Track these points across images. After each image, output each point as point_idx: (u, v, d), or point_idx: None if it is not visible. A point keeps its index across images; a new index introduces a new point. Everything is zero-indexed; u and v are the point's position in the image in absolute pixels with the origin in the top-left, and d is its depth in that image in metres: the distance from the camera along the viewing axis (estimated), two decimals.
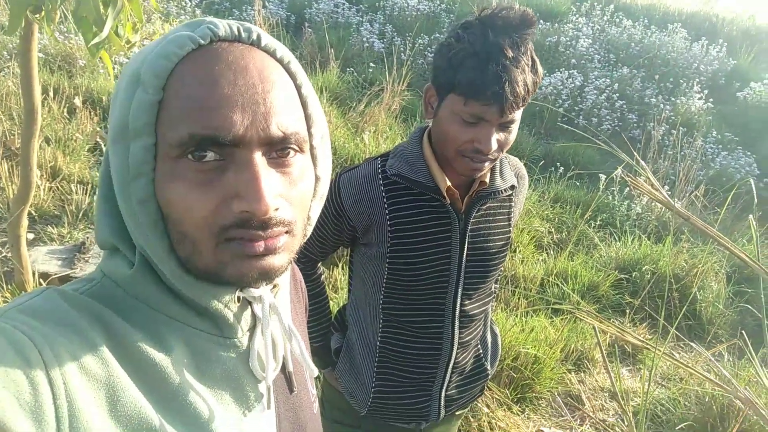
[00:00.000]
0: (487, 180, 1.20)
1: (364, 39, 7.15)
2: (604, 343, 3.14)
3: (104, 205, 0.59)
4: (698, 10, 9.67)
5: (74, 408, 0.45)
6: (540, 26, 7.91)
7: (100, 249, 0.61)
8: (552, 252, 4.06)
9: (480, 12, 1.10)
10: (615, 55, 7.62)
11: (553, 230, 4.37)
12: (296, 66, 0.59)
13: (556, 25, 8.03)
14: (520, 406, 2.65)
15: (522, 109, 1.11)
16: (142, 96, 0.52)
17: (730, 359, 3.20)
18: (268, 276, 0.56)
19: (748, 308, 3.54)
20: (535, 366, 2.73)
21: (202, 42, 0.53)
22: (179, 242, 0.54)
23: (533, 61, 1.10)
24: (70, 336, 0.49)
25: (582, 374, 2.99)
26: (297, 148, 0.57)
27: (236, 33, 0.55)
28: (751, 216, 1.35)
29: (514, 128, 1.13)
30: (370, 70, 6.43)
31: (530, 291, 3.46)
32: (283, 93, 0.56)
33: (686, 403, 2.72)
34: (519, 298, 3.32)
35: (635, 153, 1.60)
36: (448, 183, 1.17)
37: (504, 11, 1.07)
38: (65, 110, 4.29)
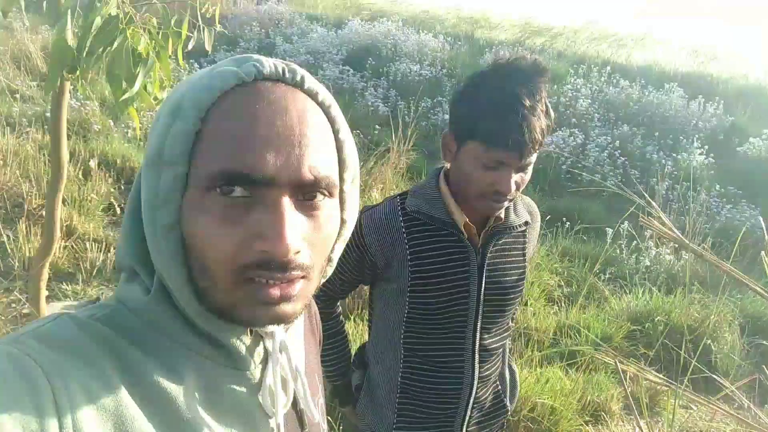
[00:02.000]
0: (503, 216, 1.25)
1: (369, 103, 7.37)
2: (619, 396, 3.09)
3: (129, 226, 0.59)
4: (693, 71, 9.96)
5: None
6: None
7: (118, 270, 0.61)
8: (563, 305, 4.05)
9: (494, 61, 1.18)
10: (614, 113, 7.80)
11: (563, 284, 4.37)
12: (336, 110, 0.60)
13: (556, 86, 8.26)
14: None
15: (537, 152, 1.16)
16: (181, 126, 0.52)
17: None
18: (280, 322, 0.56)
19: (764, 358, 3.49)
20: (552, 417, 2.69)
21: (246, 79, 0.54)
22: (199, 274, 0.54)
23: (546, 106, 1.16)
24: (81, 364, 0.49)
25: (600, 426, 2.93)
26: (326, 193, 0.56)
27: (280, 73, 0.55)
28: (762, 252, 1.38)
29: (530, 169, 1.20)
30: (376, 132, 6.60)
31: (543, 343, 3.44)
32: (319, 137, 0.56)
33: None
34: (533, 351, 3.29)
35: (647, 198, 1.65)
36: (466, 219, 1.22)
37: (517, 60, 1.15)
38: (80, 173, 4.41)
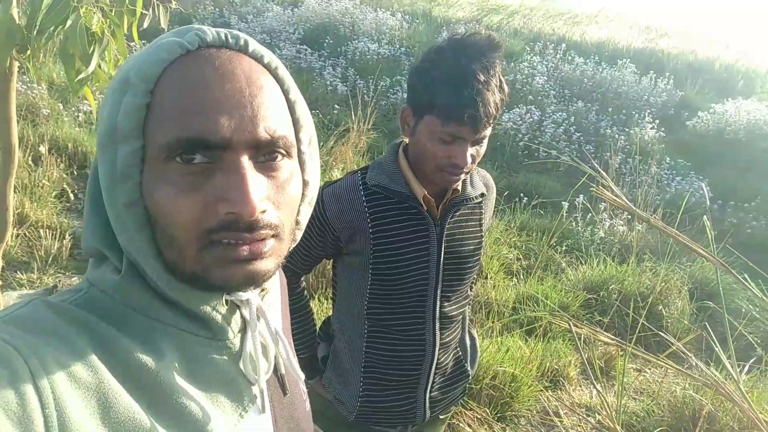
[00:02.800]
0: (459, 188, 1.30)
1: (328, 83, 7.33)
2: (576, 362, 3.22)
3: (91, 211, 0.59)
4: (644, 47, 10.20)
5: (64, 416, 0.45)
6: None
7: (86, 257, 0.61)
8: (522, 277, 4.16)
9: (450, 37, 1.21)
10: (569, 90, 7.96)
11: (521, 257, 4.48)
12: (283, 71, 0.60)
13: (512, 64, 8.36)
14: (500, 425, 2.69)
15: (492, 126, 1.21)
16: (131, 100, 0.52)
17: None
18: (254, 281, 0.55)
19: (711, 320, 3.68)
20: (513, 384, 2.78)
21: (191, 48, 0.54)
22: (166, 246, 0.54)
23: (501, 81, 1.20)
24: (58, 345, 0.48)
25: (558, 392, 3.05)
26: (284, 153, 0.57)
27: (224, 39, 0.56)
28: (705, 216, 1.45)
29: (485, 143, 1.24)
30: (335, 112, 6.58)
31: (503, 314, 3.54)
32: (270, 97, 0.56)
33: (659, 411, 2.80)
34: (493, 321, 3.39)
35: (600, 171, 1.71)
36: (425, 191, 1.26)
37: (472, 36, 1.18)
38: (30, 158, 4.28)
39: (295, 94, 0.61)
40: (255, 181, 0.53)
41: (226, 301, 0.61)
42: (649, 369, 3.42)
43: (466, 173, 1.23)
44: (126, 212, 0.53)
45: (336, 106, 6.73)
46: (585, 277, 4.10)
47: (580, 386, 3.17)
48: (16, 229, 3.54)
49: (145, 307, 0.57)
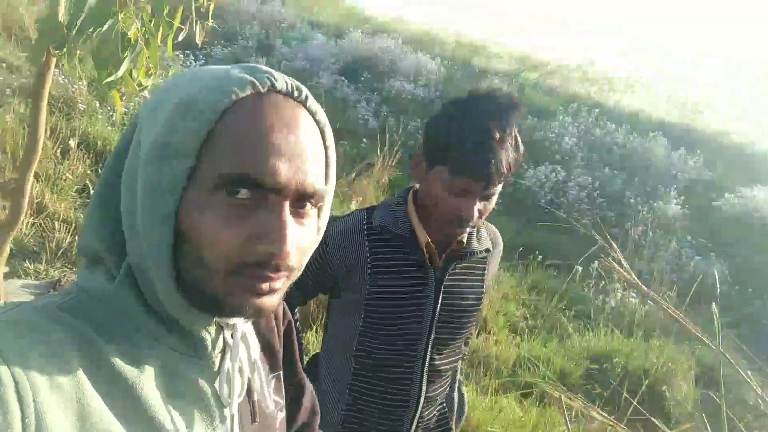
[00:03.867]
0: (464, 240, 1.28)
1: (360, 116, 7.42)
2: None
3: (98, 211, 0.60)
4: (678, 122, 10.18)
5: (42, 425, 0.45)
6: (528, 122, 8.26)
7: (80, 255, 0.62)
8: (526, 337, 4.08)
9: (471, 92, 1.21)
10: (598, 155, 7.94)
11: (528, 316, 4.41)
12: (328, 129, 0.64)
13: (544, 122, 8.39)
14: None
15: (503, 183, 1.19)
16: (195, 124, 0.54)
17: None
18: (261, 313, 0.59)
19: (716, 410, 3.55)
20: None
21: (261, 90, 0.57)
22: (194, 265, 0.56)
23: (516, 140, 1.19)
24: (43, 351, 0.49)
25: None
26: (314, 203, 0.60)
27: (289, 89, 0.59)
28: (714, 304, 1.41)
29: (494, 199, 1.23)
30: (363, 145, 6.64)
31: (502, 373, 3.46)
32: (318, 153, 0.60)
33: None
34: (490, 379, 3.31)
35: (612, 242, 1.68)
36: (428, 239, 1.25)
37: (492, 93, 1.18)
38: (59, 150, 4.35)
39: (332, 150, 0.65)
40: (292, 227, 0.56)
41: (216, 323, 0.63)
42: None
43: (472, 227, 1.22)
44: (160, 224, 0.55)
45: (365, 139, 6.80)
46: (590, 345, 4.01)
47: None
48: (32, 218, 3.57)
49: (133, 318, 0.58)
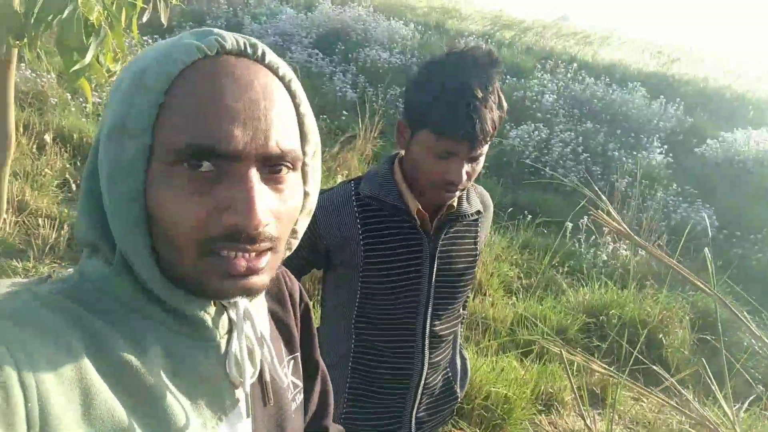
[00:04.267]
0: (455, 204, 1.26)
1: (337, 88, 7.32)
2: (572, 388, 3.15)
3: (87, 201, 0.58)
4: (656, 71, 10.17)
5: (46, 411, 0.44)
6: (507, 81, 8.21)
7: (79, 246, 0.60)
8: (521, 296, 4.11)
9: (448, 51, 1.17)
10: (579, 110, 7.92)
11: (522, 275, 4.43)
12: (296, 84, 0.60)
13: (523, 80, 8.34)
14: None
15: (489, 143, 1.16)
16: (145, 97, 0.52)
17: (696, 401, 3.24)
18: (248, 295, 0.56)
19: (712, 353, 3.61)
20: (505, 406, 2.72)
21: (209, 53, 0.54)
22: (163, 246, 0.54)
23: (499, 98, 1.16)
24: (43, 337, 0.48)
25: (552, 416, 2.98)
26: (290, 166, 0.57)
27: (242, 47, 0.56)
28: (706, 249, 1.41)
29: (481, 160, 1.20)
30: (343, 118, 6.56)
31: (500, 333, 3.48)
32: (283, 111, 0.57)
33: None
34: (489, 340, 3.33)
35: (601, 195, 1.66)
36: (418, 205, 1.23)
37: (471, 50, 1.14)
38: (35, 146, 4.26)
39: (306, 107, 0.62)
40: (261, 195, 0.53)
41: (215, 302, 0.61)
42: (647, 399, 3.35)
43: (461, 190, 1.19)
44: (126, 206, 0.53)
45: (344, 112, 6.71)
46: (585, 300, 4.04)
47: (574, 412, 3.10)
48: (14, 216, 3.51)
49: (133, 303, 0.56)
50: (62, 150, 4.33)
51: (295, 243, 0.66)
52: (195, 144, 0.51)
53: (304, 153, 0.61)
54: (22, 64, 5.42)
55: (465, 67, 1.12)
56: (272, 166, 0.55)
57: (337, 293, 1.33)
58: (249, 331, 0.65)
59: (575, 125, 7.47)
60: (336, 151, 5.26)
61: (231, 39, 0.55)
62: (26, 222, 3.54)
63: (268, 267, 0.57)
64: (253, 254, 0.55)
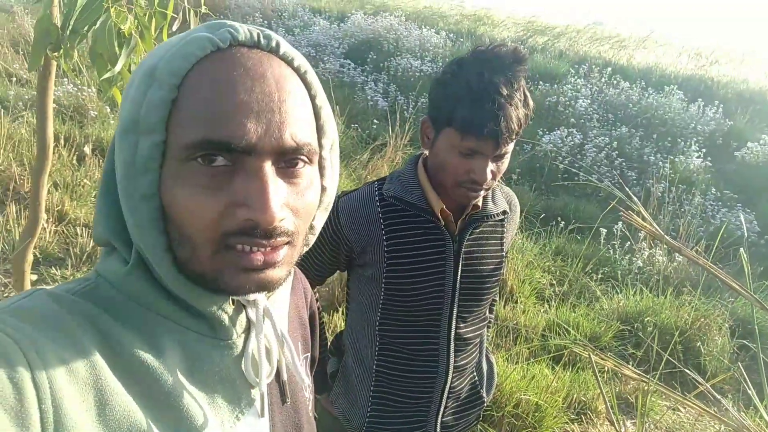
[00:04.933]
0: (480, 204, 1.25)
1: (369, 97, 7.36)
2: (606, 395, 3.09)
3: (104, 201, 0.58)
4: (694, 74, 9.94)
5: (60, 412, 0.44)
6: (539, 87, 8.13)
7: (97, 246, 0.62)
8: (554, 303, 4.04)
9: (474, 49, 1.16)
10: (613, 115, 7.79)
11: (554, 282, 4.36)
12: (312, 76, 0.59)
13: (556, 86, 8.25)
14: None
15: (514, 141, 1.15)
16: (157, 93, 0.51)
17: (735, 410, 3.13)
18: (265, 289, 0.55)
19: (753, 361, 3.49)
20: (536, 414, 2.68)
21: (222, 45, 0.53)
22: (179, 243, 0.54)
23: (525, 96, 1.15)
24: (58, 338, 0.48)
25: (585, 425, 2.93)
26: (307, 159, 0.56)
27: (256, 39, 0.55)
28: (741, 249, 1.37)
29: (507, 158, 1.18)
30: (374, 127, 6.59)
31: (532, 341, 3.44)
32: (298, 103, 0.55)
33: None
34: (520, 348, 3.29)
35: (633, 196, 1.63)
36: (442, 205, 1.22)
37: (497, 48, 1.13)
38: (75, 158, 4.40)
39: (322, 99, 0.60)
40: (276, 189, 0.52)
41: (233, 300, 0.61)
42: (685, 408, 3.26)
43: (486, 190, 1.18)
44: (141, 205, 0.53)
45: (375, 120, 6.74)
46: (620, 307, 3.96)
47: (608, 421, 3.03)
48: (54, 225, 3.63)
49: (150, 302, 0.56)
50: (101, 161, 4.46)
51: (313, 239, 0.65)
52: (207, 138, 0.50)
53: (320, 146, 0.60)
54: (65, 79, 5.62)
55: (490, 64, 1.11)
56: (288, 159, 0.54)
57: (361, 295, 1.33)
58: (268, 329, 0.64)
59: (609, 130, 7.34)
60: (366, 159, 5.29)
61: (243, 31, 0.54)
62: (65, 231, 3.65)
63: (285, 261, 0.56)
64: (270, 249, 0.54)
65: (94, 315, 0.52)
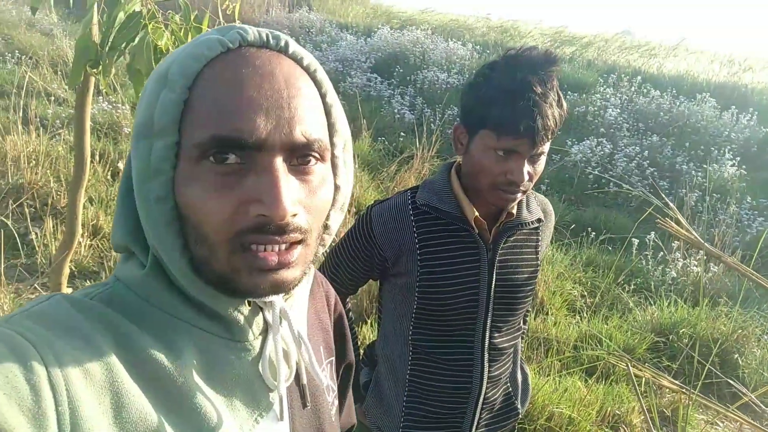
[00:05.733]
0: (515, 212, 1.24)
1: (396, 111, 7.39)
2: (640, 408, 3.02)
3: (122, 206, 0.59)
4: (726, 81, 9.76)
5: (77, 414, 0.45)
6: (568, 97, 8.07)
7: (115, 252, 0.63)
8: (585, 315, 3.98)
9: (505, 53, 1.17)
10: (644, 124, 7.68)
11: (586, 294, 4.30)
12: (322, 75, 0.60)
13: (585, 95, 8.18)
14: None
15: (550, 141, 1.15)
16: (168, 95, 0.52)
17: None
18: (281, 290, 0.55)
19: None
20: (569, 428, 2.64)
21: (231, 46, 0.54)
22: (196, 244, 0.54)
23: (559, 96, 1.15)
24: (75, 341, 0.49)
25: None
26: (318, 156, 0.56)
27: (264, 39, 0.56)
28: None
29: (543, 160, 1.18)
30: (401, 139, 6.61)
31: (564, 353, 3.39)
32: (307, 100, 0.56)
33: None
34: (552, 360, 3.24)
35: (669, 203, 1.60)
36: (476, 213, 1.21)
37: (528, 51, 1.14)
38: (109, 173, 4.50)
39: (332, 97, 0.61)
40: (287, 184, 0.52)
41: (249, 302, 0.61)
42: (723, 422, 3.17)
43: (523, 192, 1.17)
44: (156, 207, 0.53)
45: (402, 133, 6.77)
46: (654, 318, 3.87)
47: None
48: (89, 239, 3.71)
49: (167, 304, 0.57)
50: None
51: (329, 239, 0.65)
52: (217, 136, 0.51)
53: (332, 144, 0.61)
54: (99, 97, 5.78)
55: (522, 65, 1.12)
56: (299, 157, 0.55)
57: (394, 305, 1.33)
58: (286, 331, 0.64)
59: (640, 139, 7.24)
60: (393, 171, 5.30)
61: (253, 32, 0.55)
62: (100, 245, 3.74)
63: (299, 261, 0.56)
64: (284, 247, 0.54)
65: (111, 318, 0.53)
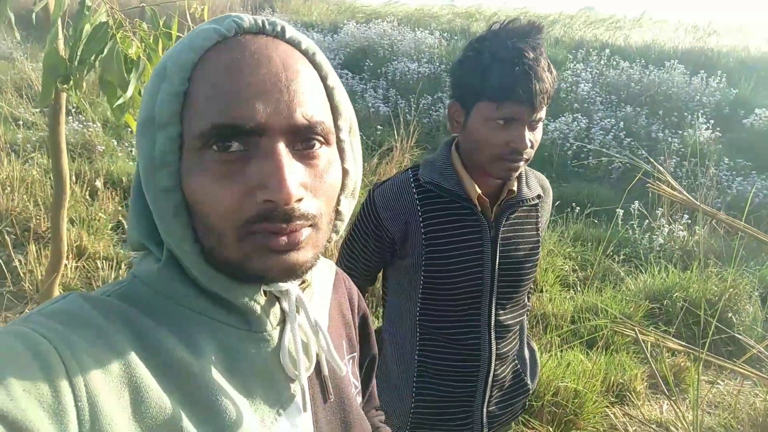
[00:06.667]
0: (515, 189, 1.24)
1: (370, 105, 7.37)
2: (643, 375, 3.05)
3: (136, 205, 0.59)
4: (693, 47, 9.87)
5: (96, 410, 0.45)
6: None
7: (132, 251, 0.61)
8: (579, 289, 4.01)
9: (490, 27, 1.17)
10: (617, 95, 7.75)
11: (577, 268, 4.33)
12: (321, 57, 0.59)
13: (556, 72, 8.21)
14: None
15: (546, 108, 1.16)
16: (168, 87, 0.52)
17: None
18: (292, 272, 0.54)
19: None
20: (576, 401, 2.65)
21: (227, 34, 0.54)
22: (204, 234, 0.54)
23: (548, 62, 1.16)
24: (92, 338, 0.48)
25: (626, 407, 2.89)
26: (322, 140, 0.56)
27: (260, 25, 0.56)
28: None
29: (540, 127, 1.19)
30: (378, 133, 6.60)
31: (562, 328, 3.41)
32: (307, 83, 0.55)
33: (739, 426, 2.61)
34: (552, 336, 3.26)
35: (661, 168, 1.61)
36: (478, 191, 1.21)
37: (513, 22, 1.15)
38: (87, 193, 4.43)
39: (333, 80, 0.60)
40: (291, 167, 0.52)
41: (265, 292, 0.60)
42: (723, 381, 3.21)
43: (526, 161, 1.17)
44: (163, 198, 0.53)
45: (378, 126, 6.75)
46: (646, 286, 3.92)
47: (649, 401, 2.99)
48: (75, 261, 3.65)
49: (183, 298, 0.56)
50: (113, 194, 4.49)
51: (341, 225, 0.64)
52: (218, 123, 0.50)
53: (337, 128, 0.60)
54: (69, 117, 5.67)
55: (512, 35, 1.13)
56: (303, 141, 0.54)
57: (399, 287, 1.33)
58: (303, 321, 0.63)
59: (614, 111, 7.31)
60: (375, 164, 5.29)
61: (248, 19, 0.55)
62: (86, 266, 3.67)
63: (309, 243, 0.55)
64: (292, 231, 0.53)
65: (128, 314, 0.53)
